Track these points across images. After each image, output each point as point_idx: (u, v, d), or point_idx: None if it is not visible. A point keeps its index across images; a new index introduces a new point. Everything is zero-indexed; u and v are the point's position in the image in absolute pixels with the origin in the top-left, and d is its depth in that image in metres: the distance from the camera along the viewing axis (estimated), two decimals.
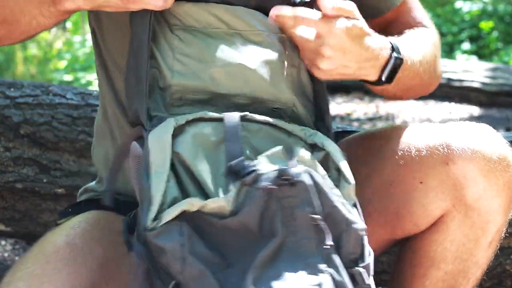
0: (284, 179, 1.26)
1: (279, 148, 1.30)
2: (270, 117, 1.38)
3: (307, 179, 1.27)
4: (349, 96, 5.94)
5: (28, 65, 7.03)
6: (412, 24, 1.66)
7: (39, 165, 2.31)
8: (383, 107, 5.63)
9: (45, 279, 1.42)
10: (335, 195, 1.29)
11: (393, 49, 1.47)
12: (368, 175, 1.55)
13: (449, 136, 1.49)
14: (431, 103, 5.77)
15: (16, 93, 2.34)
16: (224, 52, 1.38)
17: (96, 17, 1.60)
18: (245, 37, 1.40)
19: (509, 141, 2.08)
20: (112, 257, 1.46)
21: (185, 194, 1.28)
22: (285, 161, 1.29)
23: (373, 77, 1.46)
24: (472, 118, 5.32)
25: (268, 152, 1.30)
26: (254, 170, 1.26)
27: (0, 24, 1.46)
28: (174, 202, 1.25)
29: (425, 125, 1.55)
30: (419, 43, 1.60)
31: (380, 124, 5.13)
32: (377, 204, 1.54)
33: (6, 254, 2.79)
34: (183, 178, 1.29)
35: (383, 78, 1.46)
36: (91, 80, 6.11)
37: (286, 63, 1.41)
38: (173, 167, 1.29)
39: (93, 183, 1.76)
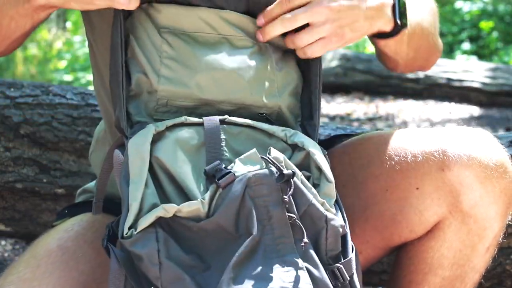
0: (258, 179, 1.27)
1: (253, 151, 1.32)
2: (254, 121, 1.40)
3: (280, 179, 1.28)
4: (349, 96, 5.94)
5: (28, 65, 7.04)
6: None
7: (39, 165, 2.31)
8: (383, 107, 5.63)
9: (35, 283, 1.42)
10: (311, 194, 1.30)
11: None
12: (365, 180, 1.55)
13: (445, 142, 1.48)
14: (431, 103, 5.78)
15: (16, 93, 2.34)
16: (211, 58, 1.39)
17: (88, 21, 1.60)
18: (232, 43, 1.41)
19: (509, 141, 2.08)
20: (105, 260, 1.45)
21: (166, 198, 1.29)
22: (260, 163, 1.30)
23: (388, 26, 1.47)
24: (472, 118, 5.32)
25: (243, 155, 1.31)
26: (228, 173, 1.28)
27: None
28: (152, 208, 1.26)
29: (422, 130, 1.55)
30: (417, 4, 1.60)
31: (380, 124, 5.13)
32: (374, 210, 1.54)
33: (6, 254, 2.79)
34: (164, 182, 1.30)
35: (398, 20, 1.46)
36: (91, 80, 6.10)
37: (272, 67, 1.42)
38: (154, 171, 1.30)
39: (92, 183, 1.76)
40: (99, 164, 1.70)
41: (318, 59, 1.46)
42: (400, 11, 1.47)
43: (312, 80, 1.46)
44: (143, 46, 1.38)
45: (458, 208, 1.47)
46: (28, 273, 1.43)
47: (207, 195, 1.27)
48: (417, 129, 1.56)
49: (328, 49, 1.43)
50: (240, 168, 1.29)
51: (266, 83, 1.41)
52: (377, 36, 1.50)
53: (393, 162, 1.52)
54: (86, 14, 1.59)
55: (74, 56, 7.23)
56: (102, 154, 1.69)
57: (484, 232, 1.49)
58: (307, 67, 1.46)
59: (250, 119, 1.39)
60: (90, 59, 1.65)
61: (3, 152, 2.29)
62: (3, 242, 2.86)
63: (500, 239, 1.54)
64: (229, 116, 1.38)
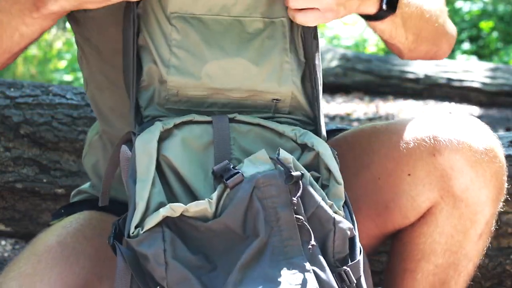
0: (266, 181, 1.27)
1: (262, 151, 1.31)
2: (268, 108, 1.38)
3: (289, 180, 1.27)
4: (349, 96, 5.94)
5: (28, 65, 7.03)
6: None
7: (39, 165, 2.31)
8: (383, 107, 5.63)
9: (37, 278, 1.42)
10: (319, 195, 1.30)
11: None
12: (358, 170, 1.56)
13: (436, 128, 1.50)
14: (431, 103, 5.78)
15: (16, 93, 2.34)
16: (220, 46, 1.37)
17: (81, 35, 1.58)
18: (245, 25, 1.38)
19: (509, 141, 2.08)
20: (105, 256, 1.46)
21: (173, 197, 1.28)
22: (269, 164, 1.29)
23: (373, 8, 1.44)
24: None
25: (252, 155, 1.30)
26: (237, 173, 1.27)
27: None
28: (159, 207, 1.25)
29: (413, 118, 1.56)
30: None
31: None
32: (367, 199, 1.55)
33: (6, 254, 2.79)
34: (171, 181, 1.29)
35: (384, 5, 1.44)
36: None
37: (286, 49, 1.39)
38: (161, 170, 1.29)
39: (87, 185, 1.76)
40: (92, 167, 1.70)
41: (315, 38, 1.42)
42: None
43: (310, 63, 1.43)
44: (153, 34, 1.36)
45: (450, 192, 1.49)
46: (29, 268, 1.44)
47: (215, 195, 1.26)
48: (408, 118, 1.57)
49: (320, 22, 1.38)
50: (248, 169, 1.28)
51: (280, 68, 1.38)
52: (365, 18, 1.48)
53: (384, 150, 1.53)
54: (81, 20, 1.57)
55: (74, 56, 7.22)
56: (95, 158, 1.69)
57: (475, 217, 1.50)
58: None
59: (263, 106, 1.38)
60: (80, 66, 1.63)
61: (3, 152, 2.29)
62: (3, 242, 2.86)
63: (493, 227, 1.55)
64: (242, 104, 1.37)
